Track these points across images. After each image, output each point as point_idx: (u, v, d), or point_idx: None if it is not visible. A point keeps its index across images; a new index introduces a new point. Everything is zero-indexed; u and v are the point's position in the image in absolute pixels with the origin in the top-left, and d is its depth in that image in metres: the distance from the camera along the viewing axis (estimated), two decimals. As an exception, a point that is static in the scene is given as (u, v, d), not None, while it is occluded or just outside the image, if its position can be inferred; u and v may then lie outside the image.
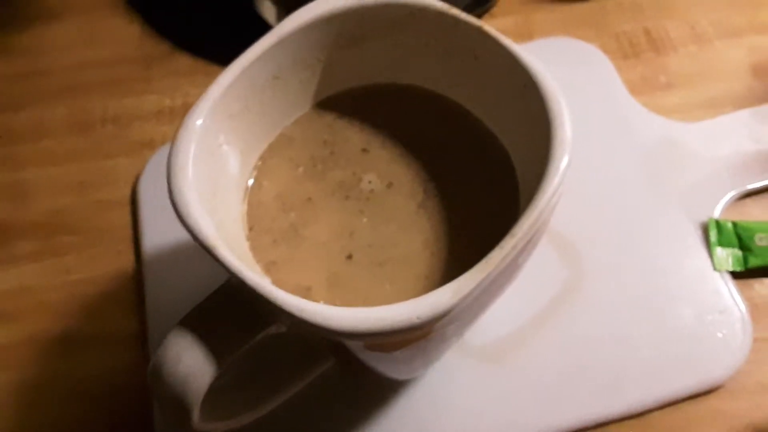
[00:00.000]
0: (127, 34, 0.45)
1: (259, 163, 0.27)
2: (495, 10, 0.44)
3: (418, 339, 0.21)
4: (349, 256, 0.25)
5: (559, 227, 0.34)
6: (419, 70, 0.28)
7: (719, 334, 0.31)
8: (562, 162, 0.22)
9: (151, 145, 0.39)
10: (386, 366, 0.26)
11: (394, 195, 0.26)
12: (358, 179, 0.27)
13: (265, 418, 0.27)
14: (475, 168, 0.27)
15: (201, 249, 0.22)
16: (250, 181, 0.27)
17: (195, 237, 0.21)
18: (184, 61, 0.43)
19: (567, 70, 0.35)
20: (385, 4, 0.26)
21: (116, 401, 0.32)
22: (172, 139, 0.23)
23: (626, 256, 0.34)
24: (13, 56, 0.44)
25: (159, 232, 0.35)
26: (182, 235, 0.34)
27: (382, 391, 0.30)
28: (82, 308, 0.35)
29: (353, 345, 0.22)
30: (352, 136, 0.28)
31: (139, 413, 0.31)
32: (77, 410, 0.32)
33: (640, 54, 0.41)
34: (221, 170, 0.25)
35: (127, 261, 0.36)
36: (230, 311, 0.22)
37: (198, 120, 0.23)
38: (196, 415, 0.22)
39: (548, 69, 0.24)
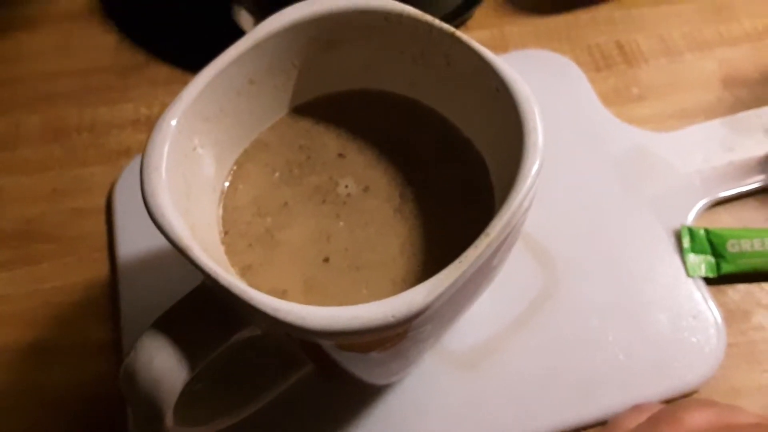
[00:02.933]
0: (104, 43, 0.44)
1: (235, 167, 0.27)
2: (470, 22, 0.44)
3: (394, 339, 0.21)
4: (326, 260, 0.25)
5: (534, 234, 0.34)
6: (394, 75, 0.28)
7: (693, 339, 0.32)
8: (534, 164, 0.22)
9: (127, 154, 0.39)
10: (363, 369, 0.26)
11: (370, 199, 0.26)
12: (334, 184, 0.27)
13: (240, 424, 0.26)
14: (451, 172, 0.27)
15: (175, 255, 0.21)
16: (226, 185, 0.27)
17: (168, 238, 0.21)
18: (161, 70, 0.43)
19: (541, 82, 0.36)
20: (360, 10, 0.26)
21: (90, 411, 0.32)
22: (146, 139, 0.23)
23: (601, 263, 0.34)
24: (-13, 64, 0.44)
25: (134, 240, 0.35)
26: (157, 243, 0.34)
27: (360, 396, 0.30)
28: (56, 317, 0.34)
29: (329, 346, 0.22)
30: (329, 141, 0.28)
31: (113, 423, 0.31)
32: (50, 420, 0.32)
33: (612, 66, 0.42)
34: (196, 173, 0.25)
35: (101, 269, 0.35)
36: (204, 313, 0.22)
37: (172, 120, 0.23)
38: (169, 418, 0.22)
39: (522, 77, 0.24)
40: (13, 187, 0.38)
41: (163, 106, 0.41)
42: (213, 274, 0.20)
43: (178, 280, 0.24)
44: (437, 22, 0.25)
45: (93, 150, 0.40)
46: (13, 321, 0.34)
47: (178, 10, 0.45)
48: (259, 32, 0.26)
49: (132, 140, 0.40)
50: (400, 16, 0.26)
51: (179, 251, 0.21)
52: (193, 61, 0.43)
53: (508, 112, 0.23)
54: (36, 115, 0.41)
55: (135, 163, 0.38)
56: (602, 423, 0.30)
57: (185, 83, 0.25)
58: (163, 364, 0.20)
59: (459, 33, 0.25)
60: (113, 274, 0.35)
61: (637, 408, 0.27)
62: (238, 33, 0.42)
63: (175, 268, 0.29)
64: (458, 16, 0.43)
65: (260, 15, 0.42)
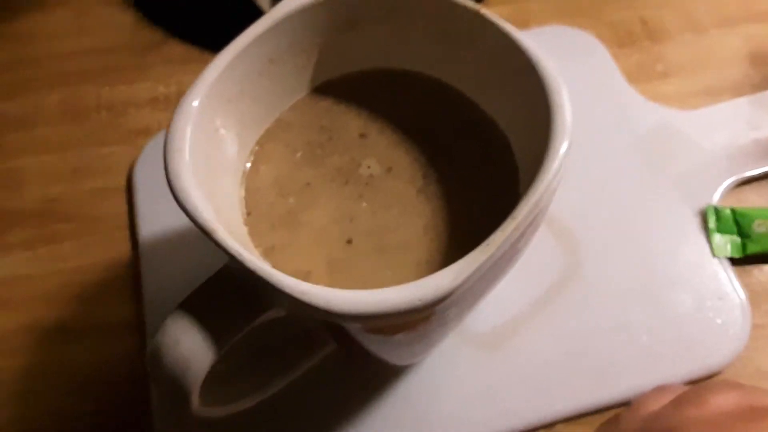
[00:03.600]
0: (121, 21, 0.44)
1: (257, 148, 0.27)
2: (491, -2, 0.44)
3: (419, 322, 0.21)
4: (349, 241, 0.25)
5: (557, 214, 0.34)
6: (417, 54, 0.28)
7: (718, 321, 0.31)
8: (563, 145, 0.22)
9: (146, 133, 0.39)
10: (386, 350, 0.26)
11: (393, 180, 0.26)
12: (356, 164, 0.27)
13: (263, 403, 0.27)
14: (474, 153, 0.26)
15: (197, 235, 0.21)
16: (248, 166, 0.26)
17: (194, 220, 0.21)
18: (178, 49, 0.43)
19: (563, 59, 0.35)
20: (383, -13, 0.25)
21: (112, 389, 0.32)
22: (169, 120, 0.22)
23: (625, 243, 0.33)
24: (6, 44, 0.43)
25: (155, 220, 0.35)
26: (178, 222, 0.34)
27: (381, 377, 0.30)
28: (77, 297, 0.35)
29: (354, 328, 0.22)
30: (350, 121, 0.28)
31: (135, 401, 0.31)
32: (73, 399, 0.32)
33: (636, 42, 0.41)
34: (218, 154, 0.24)
35: (122, 249, 0.36)
36: (230, 295, 0.22)
37: (194, 101, 0.23)
38: (195, 399, 0.22)
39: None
40: (34, 167, 0.39)
41: (181, 85, 0.41)
42: (239, 257, 0.20)
43: (200, 259, 0.24)
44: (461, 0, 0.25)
45: (112, 129, 0.40)
46: (36, 301, 0.34)
47: (194, -13, 0.45)
48: (278, 12, 0.25)
49: (150, 119, 0.40)
50: (423, -6, 0.25)
51: (205, 234, 0.21)
52: (210, 40, 0.42)
53: (534, 91, 0.23)
54: (54, 95, 0.41)
55: (154, 143, 0.38)
56: (625, 404, 0.30)
57: (202, 62, 0.25)
58: (189, 346, 0.20)
59: (484, 11, 0.24)
60: (135, 254, 0.35)
61: (660, 389, 0.27)
62: (255, 11, 0.41)
63: (196, 247, 0.29)
64: (479, -9, 0.42)
65: (278, -8, 0.41)
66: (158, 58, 0.42)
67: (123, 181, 0.38)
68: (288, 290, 0.19)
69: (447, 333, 0.28)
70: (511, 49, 0.24)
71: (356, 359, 0.30)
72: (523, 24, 0.42)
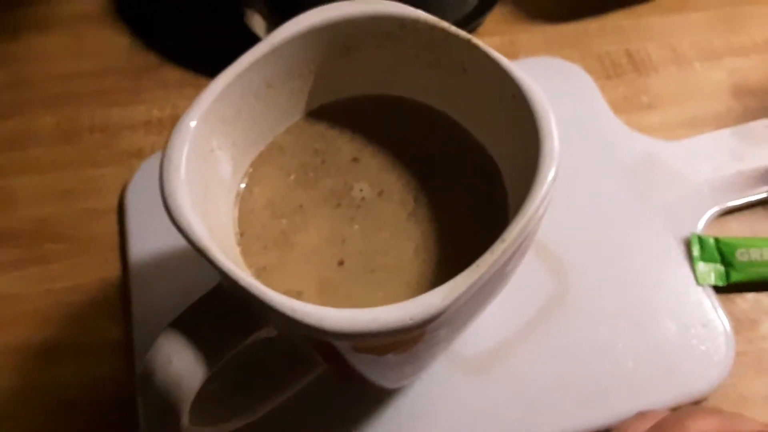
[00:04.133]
0: (117, 45, 0.45)
1: (251, 170, 0.27)
2: (481, 29, 0.45)
3: (409, 342, 0.22)
4: (341, 263, 0.25)
5: (546, 241, 0.35)
6: (409, 81, 0.28)
7: (702, 348, 0.32)
8: (551, 170, 0.22)
9: (139, 155, 0.39)
10: (376, 371, 0.26)
11: (385, 203, 0.27)
12: (349, 187, 0.27)
13: (252, 424, 0.27)
14: (464, 178, 0.27)
15: (187, 257, 0.22)
16: (242, 187, 0.27)
17: (188, 238, 0.21)
18: (173, 73, 0.43)
19: (551, 89, 0.35)
20: (376, 15, 0.26)
21: (101, 411, 0.32)
22: (166, 139, 0.23)
23: (611, 270, 0.34)
24: (3, 64, 0.44)
25: (146, 241, 0.35)
26: (169, 244, 0.34)
27: (371, 399, 0.30)
28: (67, 317, 0.35)
29: (344, 348, 0.22)
30: (343, 145, 0.28)
31: (123, 423, 0.31)
32: (61, 420, 0.32)
33: (622, 74, 0.42)
34: (213, 175, 0.25)
35: (112, 270, 0.36)
36: (221, 314, 0.22)
37: (192, 122, 0.23)
38: (185, 417, 0.22)
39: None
40: (26, 187, 0.39)
41: (175, 109, 0.42)
42: (232, 275, 0.20)
43: (190, 281, 0.25)
44: (453, 28, 0.26)
45: (105, 151, 0.40)
46: (24, 320, 0.34)
47: (191, 13, 0.46)
48: (276, 37, 0.26)
49: (144, 142, 0.40)
50: (416, 23, 0.26)
51: (198, 252, 0.21)
52: (205, 64, 0.43)
53: (523, 119, 0.24)
54: (48, 116, 0.42)
55: (147, 164, 0.38)
56: (609, 430, 0.30)
57: (197, 86, 0.25)
58: (181, 364, 0.21)
59: (475, 39, 0.25)
60: (125, 275, 0.35)
61: (642, 415, 0.27)
62: (251, 36, 0.42)
63: (186, 269, 0.29)
64: (469, 22, 0.43)
65: (272, 19, 0.42)
66: (153, 82, 0.43)
67: (115, 203, 0.38)
68: (279, 308, 0.20)
69: (437, 355, 0.28)
70: (501, 77, 0.25)
71: (346, 381, 0.30)
72: (512, 55, 0.43)
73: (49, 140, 0.41)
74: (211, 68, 0.26)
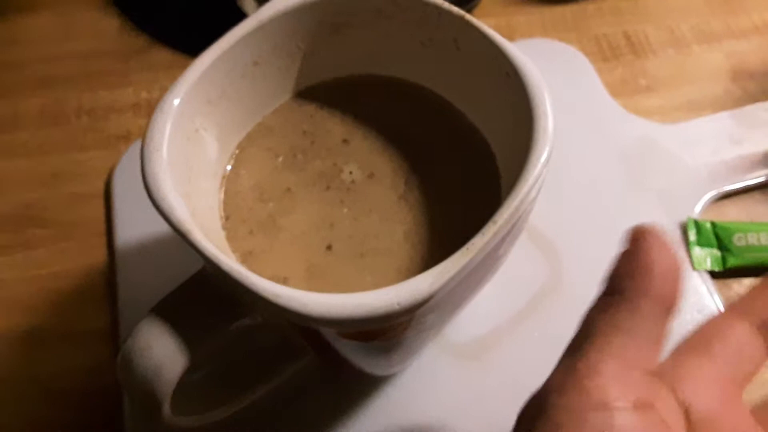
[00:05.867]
0: (105, 27, 0.44)
1: (237, 151, 0.27)
2: (477, 11, 0.44)
3: (397, 328, 0.21)
4: (329, 247, 0.25)
5: (539, 226, 0.34)
6: (401, 61, 0.27)
7: (698, 333, 0.31)
8: (544, 152, 0.22)
9: (126, 138, 0.39)
10: (364, 358, 0.25)
11: (375, 186, 0.26)
12: (338, 170, 0.26)
13: (239, 413, 0.26)
14: (456, 159, 0.26)
15: (174, 241, 0.21)
16: (228, 169, 0.26)
17: (168, 220, 0.20)
18: (163, 54, 0.42)
19: (548, 71, 0.35)
20: (368, -8, 0.25)
21: (86, 398, 0.31)
22: (148, 120, 0.22)
23: (605, 255, 0.33)
24: (-13, 47, 0.43)
25: (133, 226, 0.35)
26: (156, 229, 0.34)
27: (361, 387, 0.30)
28: (53, 303, 0.34)
29: (330, 334, 0.21)
30: (333, 126, 0.28)
31: (109, 410, 0.30)
32: (46, 407, 0.31)
33: (619, 57, 0.42)
34: (198, 156, 0.24)
35: (99, 255, 0.35)
36: (204, 300, 0.21)
37: (174, 100, 0.22)
38: (167, 406, 0.21)
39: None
40: (12, 171, 0.38)
41: (164, 91, 0.40)
42: (214, 259, 0.20)
43: (177, 267, 0.24)
44: (446, 5, 0.25)
45: (92, 134, 0.39)
46: (9, 307, 0.34)
47: (180, -7, 0.45)
48: (264, 13, 0.25)
49: (132, 124, 0.39)
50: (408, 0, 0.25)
51: (179, 235, 0.20)
52: (195, 46, 0.42)
53: (517, 98, 0.23)
54: (35, 99, 0.41)
55: (134, 148, 0.37)
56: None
57: (187, 67, 0.24)
58: (161, 351, 0.20)
59: (469, 17, 0.24)
60: (111, 260, 0.34)
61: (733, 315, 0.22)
62: (242, 17, 0.41)
63: (173, 255, 0.28)
64: (465, 3, 0.43)
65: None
66: (142, 64, 0.42)
67: (102, 187, 0.37)
68: (263, 293, 0.19)
69: (427, 341, 0.28)
70: (496, 55, 0.24)
71: (334, 368, 0.29)
72: (509, 37, 0.42)
73: (36, 123, 0.40)
74: (200, 50, 0.25)
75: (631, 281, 0.20)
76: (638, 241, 0.20)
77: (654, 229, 0.20)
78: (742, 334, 0.21)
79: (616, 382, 0.18)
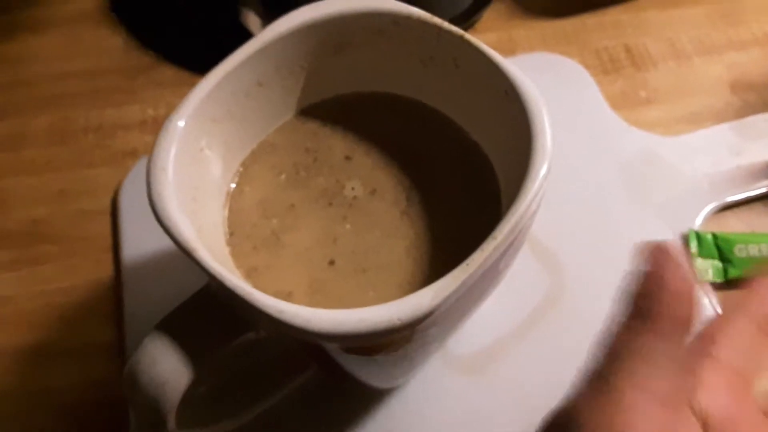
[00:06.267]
0: (112, 45, 0.44)
1: (241, 169, 0.27)
2: (479, 25, 0.44)
3: (399, 342, 0.21)
4: (332, 262, 0.25)
5: (541, 238, 0.34)
6: (402, 78, 0.28)
7: (700, 345, 0.31)
8: (543, 167, 0.22)
9: (133, 155, 0.39)
10: (367, 372, 0.26)
11: (377, 202, 0.26)
12: (341, 186, 0.27)
13: (244, 427, 0.26)
14: (458, 175, 0.27)
15: (180, 257, 0.21)
16: (232, 187, 0.26)
17: (174, 239, 0.21)
18: (169, 72, 0.43)
19: (549, 85, 0.36)
20: (369, 12, 0.26)
21: (93, 412, 0.31)
22: (154, 140, 0.23)
23: (607, 267, 0.33)
24: (-2, 65, 0.44)
25: (139, 242, 0.35)
26: (162, 245, 0.34)
27: (363, 400, 0.30)
28: (60, 319, 0.34)
29: (333, 349, 0.22)
30: (336, 143, 0.28)
31: (116, 424, 0.31)
32: (54, 421, 0.31)
33: (620, 70, 0.42)
34: (203, 175, 0.25)
35: (106, 271, 0.35)
36: (208, 315, 0.21)
37: (180, 121, 0.23)
38: (171, 420, 0.21)
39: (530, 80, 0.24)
40: (20, 188, 0.38)
41: (170, 108, 0.41)
42: (218, 276, 0.20)
43: (183, 283, 0.24)
44: (446, 24, 0.25)
45: (99, 151, 0.40)
46: (17, 322, 0.34)
47: (186, 12, 0.46)
48: (267, 34, 0.26)
49: (138, 141, 0.40)
50: (408, 19, 0.26)
51: (184, 252, 0.21)
52: (200, 63, 0.43)
53: (516, 115, 0.23)
54: (43, 117, 0.41)
55: (141, 165, 0.38)
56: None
57: (192, 85, 0.25)
58: (166, 367, 0.20)
59: (468, 36, 0.25)
60: (118, 276, 0.35)
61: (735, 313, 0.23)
62: (246, 35, 0.42)
63: (179, 271, 0.29)
64: (467, 19, 0.43)
65: (267, 17, 0.42)
66: (148, 81, 0.43)
67: (109, 203, 0.38)
68: (266, 309, 0.19)
69: (429, 354, 0.28)
70: (495, 73, 0.24)
71: (337, 382, 0.30)
72: (510, 51, 0.43)
73: (44, 141, 0.40)
74: (206, 67, 0.26)
75: (655, 305, 0.20)
76: (659, 261, 0.21)
77: (672, 248, 0.21)
78: (746, 332, 0.22)
79: (644, 419, 0.18)
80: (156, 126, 0.40)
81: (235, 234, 0.26)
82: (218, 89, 0.25)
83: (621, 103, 0.40)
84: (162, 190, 0.21)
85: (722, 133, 0.38)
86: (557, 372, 0.31)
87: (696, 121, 0.39)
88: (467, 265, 0.20)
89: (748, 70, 0.41)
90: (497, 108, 0.25)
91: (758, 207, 0.36)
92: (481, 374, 0.31)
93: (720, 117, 0.39)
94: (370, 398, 0.30)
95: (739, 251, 0.33)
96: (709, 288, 0.33)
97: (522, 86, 0.23)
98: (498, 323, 0.32)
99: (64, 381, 0.32)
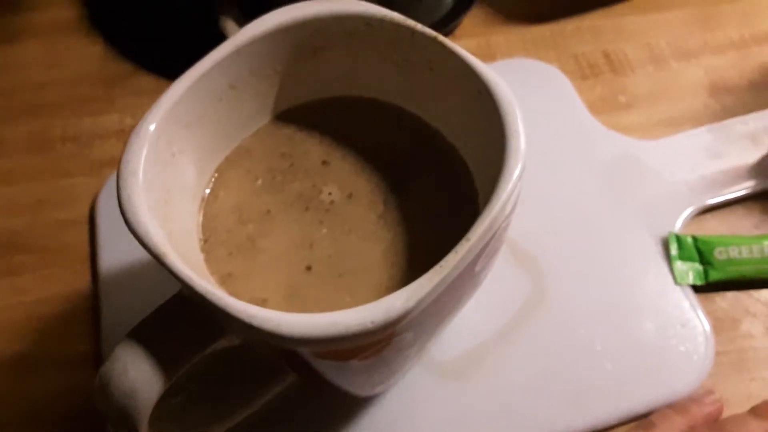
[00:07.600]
0: (90, 54, 0.44)
1: (216, 174, 0.27)
2: (458, 31, 0.44)
3: (374, 347, 0.21)
4: (308, 268, 0.25)
5: (522, 242, 0.34)
6: (377, 82, 0.28)
7: (681, 348, 0.31)
8: (516, 168, 0.22)
9: (111, 164, 0.39)
10: (344, 378, 0.25)
11: (354, 206, 0.26)
12: (318, 191, 0.27)
13: (220, 436, 0.26)
14: (435, 179, 0.27)
15: (157, 267, 0.21)
16: (207, 192, 0.26)
17: (143, 243, 0.20)
18: (147, 81, 0.43)
19: (528, 90, 0.36)
20: (341, 14, 0.26)
21: (71, 421, 0.31)
22: (124, 144, 0.22)
23: (588, 271, 0.34)
24: (-27, 75, 0.43)
25: (116, 252, 0.35)
26: (139, 255, 0.33)
27: (344, 408, 0.30)
28: (37, 329, 0.34)
29: (308, 354, 0.21)
30: (312, 148, 0.28)
31: (93, 435, 0.30)
32: (32, 431, 0.31)
33: (599, 75, 0.42)
34: (176, 180, 0.24)
35: (83, 281, 0.35)
36: (180, 322, 0.21)
37: (150, 125, 0.23)
38: (144, 430, 0.21)
39: (509, 86, 0.24)
40: (-4, 198, 0.38)
41: (149, 117, 0.41)
42: (188, 281, 0.20)
43: (160, 292, 0.24)
44: (419, 26, 0.25)
45: (77, 161, 0.39)
46: (-6, 333, 0.34)
47: (164, 20, 0.45)
48: (240, 37, 0.25)
49: (116, 150, 0.40)
50: (381, 21, 0.26)
51: (154, 257, 0.20)
52: (179, 72, 0.42)
53: (490, 116, 0.23)
54: (20, 126, 0.41)
55: (119, 173, 0.37)
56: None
57: (170, 93, 0.25)
58: (137, 375, 0.20)
59: (441, 37, 0.25)
60: (95, 286, 0.34)
61: (677, 412, 0.29)
62: (224, 42, 0.42)
63: (156, 280, 0.28)
64: (446, 25, 0.43)
65: (246, 24, 0.41)
66: (126, 90, 0.42)
67: (86, 213, 0.37)
68: (237, 314, 0.19)
69: (408, 360, 0.28)
70: (468, 74, 0.24)
71: (317, 390, 0.29)
72: (490, 57, 0.43)
73: (21, 151, 0.40)
74: (184, 76, 0.26)
75: None
76: None
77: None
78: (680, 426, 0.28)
79: None
80: (134, 135, 0.40)
81: (210, 240, 0.25)
82: (190, 93, 0.25)
83: (600, 107, 0.40)
84: (132, 194, 0.21)
85: (701, 136, 0.38)
86: (540, 375, 0.31)
87: (675, 124, 0.39)
88: (441, 267, 0.20)
89: (725, 73, 0.41)
90: (472, 110, 0.25)
91: (738, 209, 0.36)
92: (464, 378, 0.31)
93: (699, 120, 0.39)
94: (351, 406, 0.30)
95: (719, 254, 0.33)
96: (689, 291, 0.33)
97: (495, 87, 0.23)
98: (479, 328, 0.32)
99: (43, 390, 0.32)
